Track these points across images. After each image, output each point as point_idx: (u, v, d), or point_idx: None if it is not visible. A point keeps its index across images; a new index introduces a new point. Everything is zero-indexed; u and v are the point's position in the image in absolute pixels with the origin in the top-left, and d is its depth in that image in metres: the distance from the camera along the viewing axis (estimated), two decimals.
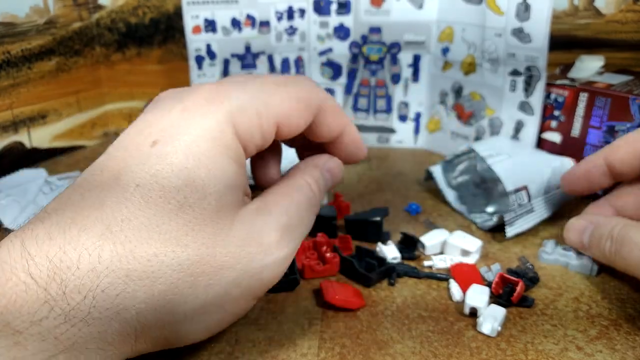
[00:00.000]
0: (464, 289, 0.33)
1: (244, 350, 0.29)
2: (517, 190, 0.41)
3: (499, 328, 0.30)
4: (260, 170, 0.32)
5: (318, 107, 0.29)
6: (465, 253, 0.37)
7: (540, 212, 0.41)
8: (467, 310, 0.31)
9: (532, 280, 0.34)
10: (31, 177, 0.46)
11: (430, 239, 0.38)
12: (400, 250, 0.37)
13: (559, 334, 0.30)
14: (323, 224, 0.40)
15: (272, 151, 0.32)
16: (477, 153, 0.45)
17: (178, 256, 0.22)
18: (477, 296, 0.31)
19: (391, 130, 0.61)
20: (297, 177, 0.29)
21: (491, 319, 0.30)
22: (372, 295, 0.34)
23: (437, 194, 0.47)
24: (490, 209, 0.43)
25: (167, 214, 0.23)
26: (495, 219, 0.41)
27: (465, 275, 0.35)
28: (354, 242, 0.39)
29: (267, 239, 0.25)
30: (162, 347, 0.24)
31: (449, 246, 0.38)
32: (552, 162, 0.45)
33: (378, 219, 0.39)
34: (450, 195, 0.46)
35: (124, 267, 0.21)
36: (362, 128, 0.61)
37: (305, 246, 0.37)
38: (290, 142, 0.33)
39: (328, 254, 0.36)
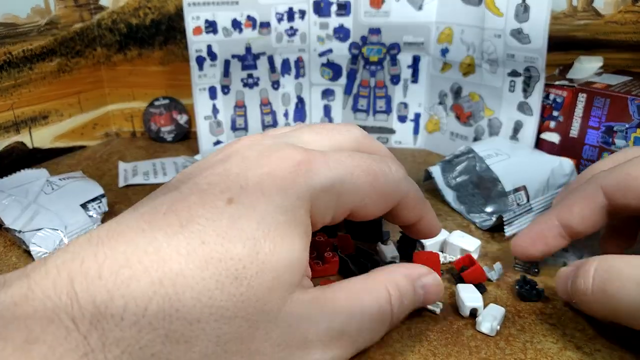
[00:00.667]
0: None
1: None
2: (516, 190, 0.41)
3: (498, 327, 0.30)
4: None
5: (399, 200, 0.28)
6: (464, 252, 0.37)
7: (539, 212, 0.41)
8: (466, 312, 0.31)
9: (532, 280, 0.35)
10: (33, 177, 0.46)
11: (430, 239, 0.38)
12: (399, 250, 0.38)
13: (558, 333, 0.30)
14: None
15: None
16: (476, 153, 0.45)
17: (219, 327, 0.21)
18: (473, 296, 0.32)
19: (391, 131, 0.61)
20: (379, 280, 0.27)
21: (490, 317, 0.30)
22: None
23: (437, 194, 0.47)
24: (489, 209, 0.43)
25: (222, 280, 0.21)
26: (494, 218, 0.41)
27: (426, 265, 0.35)
28: (354, 242, 0.39)
29: (312, 336, 0.23)
30: None
31: (448, 246, 0.38)
32: (551, 163, 0.45)
33: (378, 218, 0.40)
34: (449, 195, 0.46)
35: (167, 326, 0.20)
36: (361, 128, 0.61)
37: None
38: None
39: (327, 254, 0.36)
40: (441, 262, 0.36)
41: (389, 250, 0.37)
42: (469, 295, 0.32)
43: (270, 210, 0.23)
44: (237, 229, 0.22)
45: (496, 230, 0.41)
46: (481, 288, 0.34)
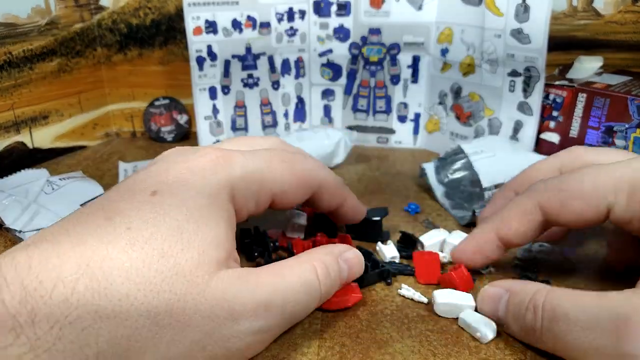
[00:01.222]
0: (424, 279, 0.35)
1: None
2: (496, 187, 0.42)
3: (495, 327, 0.30)
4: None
5: (318, 185, 0.30)
6: None
7: None
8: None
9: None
10: (33, 177, 0.46)
11: (430, 239, 0.38)
12: (399, 250, 0.38)
13: None
14: (324, 223, 0.40)
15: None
16: (463, 151, 0.46)
17: (149, 302, 0.22)
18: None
19: (391, 131, 0.61)
20: (304, 258, 0.29)
21: (481, 324, 0.30)
22: (371, 294, 0.34)
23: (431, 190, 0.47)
24: (468, 205, 0.44)
25: (148, 260, 0.23)
26: (470, 213, 0.41)
27: (426, 264, 0.36)
28: (355, 242, 0.39)
29: (239, 307, 0.24)
30: None
31: (448, 246, 0.38)
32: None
33: (378, 218, 0.40)
34: (438, 190, 0.47)
35: (96, 302, 0.21)
36: (361, 129, 0.61)
37: (305, 246, 0.37)
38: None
39: None
40: (441, 262, 0.36)
41: (389, 250, 0.37)
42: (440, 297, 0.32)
43: (191, 195, 0.25)
44: (161, 214, 0.24)
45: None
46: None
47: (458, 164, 0.46)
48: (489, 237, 0.33)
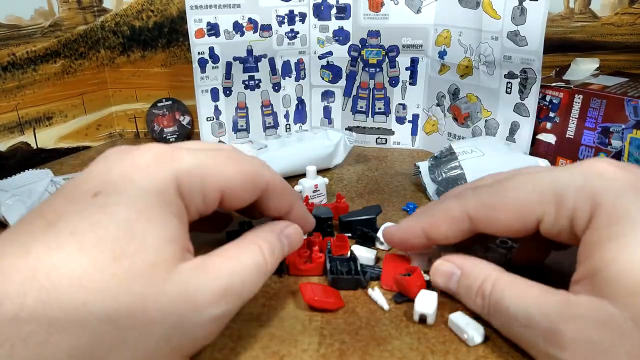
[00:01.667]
0: (390, 284, 0.34)
1: (246, 346, 0.29)
2: None
3: (483, 331, 0.30)
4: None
5: (265, 184, 0.30)
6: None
7: None
8: (416, 317, 0.31)
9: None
10: (37, 178, 0.46)
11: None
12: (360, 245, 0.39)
13: None
14: (319, 224, 0.40)
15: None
16: (453, 150, 0.46)
17: (108, 307, 0.21)
18: (426, 302, 0.31)
19: (389, 132, 0.62)
20: (250, 239, 0.29)
21: (472, 329, 0.30)
22: (368, 294, 0.34)
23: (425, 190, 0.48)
24: None
25: (100, 264, 0.22)
26: None
27: (394, 269, 0.35)
28: (352, 241, 0.40)
29: (201, 297, 0.24)
30: None
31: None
32: (526, 162, 0.46)
33: (372, 216, 0.40)
34: (430, 188, 0.48)
35: (48, 314, 0.20)
36: (361, 130, 0.62)
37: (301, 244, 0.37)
38: (245, 214, 0.35)
39: (315, 254, 0.36)
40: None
41: (363, 252, 0.38)
42: (421, 301, 0.31)
43: (138, 193, 0.24)
44: (107, 215, 0.23)
45: None
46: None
47: (451, 163, 0.47)
48: (417, 232, 0.33)
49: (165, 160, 0.26)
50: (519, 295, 0.27)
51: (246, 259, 0.27)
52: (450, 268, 0.32)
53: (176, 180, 0.26)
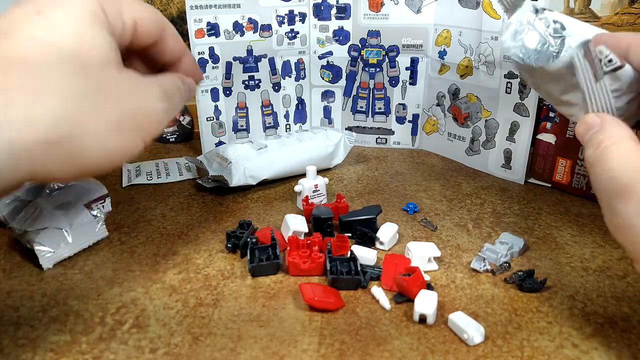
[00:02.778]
0: (390, 284, 0.34)
1: (246, 346, 0.30)
2: None
3: (483, 331, 0.30)
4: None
5: (165, 23, 0.34)
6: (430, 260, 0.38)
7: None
8: (416, 317, 0.32)
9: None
10: None
11: (384, 235, 0.39)
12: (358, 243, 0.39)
13: (555, 331, 0.31)
14: (319, 224, 0.40)
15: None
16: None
17: (79, 75, 0.25)
18: (426, 302, 0.31)
19: (389, 132, 0.62)
20: (163, 74, 0.34)
21: (472, 329, 0.30)
22: (371, 293, 0.34)
23: (434, 194, 0.48)
24: None
25: (56, 48, 0.25)
26: None
27: (394, 269, 0.36)
28: (352, 241, 0.40)
29: (149, 90, 0.30)
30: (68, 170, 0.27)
31: (408, 252, 0.38)
32: None
33: (373, 216, 0.40)
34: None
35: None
36: (361, 129, 0.62)
37: (300, 244, 0.37)
38: (146, 63, 0.37)
39: (315, 254, 0.36)
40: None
41: (365, 253, 0.38)
42: (421, 301, 0.31)
43: (76, 11, 0.27)
44: (50, 27, 0.26)
45: (474, 224, 0.42)
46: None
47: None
48: (622, 46, 0.33)
49: None
50: (621, 148, 0.29)
51: (170, 78, 0.33)
52: (596, 120, 0.32)
53: (101, 6, 0.29)
